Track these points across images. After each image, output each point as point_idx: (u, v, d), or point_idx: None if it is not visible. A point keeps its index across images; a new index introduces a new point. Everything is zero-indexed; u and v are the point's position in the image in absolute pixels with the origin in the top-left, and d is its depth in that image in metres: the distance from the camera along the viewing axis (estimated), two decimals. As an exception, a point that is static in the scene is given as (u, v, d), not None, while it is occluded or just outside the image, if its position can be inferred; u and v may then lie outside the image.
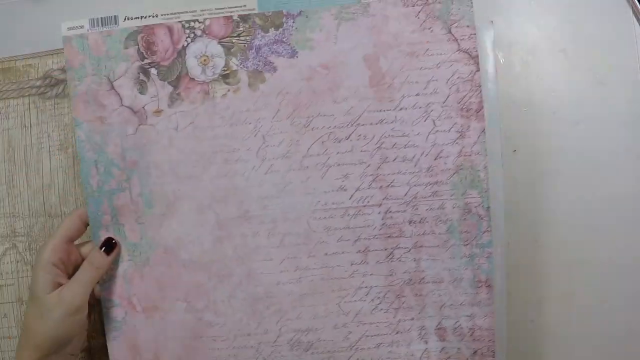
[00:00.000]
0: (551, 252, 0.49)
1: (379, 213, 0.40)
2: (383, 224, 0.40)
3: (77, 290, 0.40)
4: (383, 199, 0.40)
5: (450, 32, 0.40)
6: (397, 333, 0.41)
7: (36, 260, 0.41)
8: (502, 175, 0.49)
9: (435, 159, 0.40)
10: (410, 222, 0.40)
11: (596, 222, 0.49)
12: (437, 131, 0.40)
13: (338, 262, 0.41)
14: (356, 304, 0.41)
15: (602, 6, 0.53)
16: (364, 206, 0.40)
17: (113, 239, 0.42)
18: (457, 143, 0.40)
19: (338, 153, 0.40)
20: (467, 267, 0.41)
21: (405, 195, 0.40)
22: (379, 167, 0.40)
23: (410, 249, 0.41)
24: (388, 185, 0.40)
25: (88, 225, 0.43)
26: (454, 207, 0.41)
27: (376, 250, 0.41)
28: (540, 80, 0.52)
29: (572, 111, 0.51)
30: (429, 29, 0.40)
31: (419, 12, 0.40)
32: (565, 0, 0.53)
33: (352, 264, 0.41)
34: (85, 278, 0.40)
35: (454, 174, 0.40)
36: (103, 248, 0.42)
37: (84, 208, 0.43)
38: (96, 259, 0.41)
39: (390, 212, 0.40)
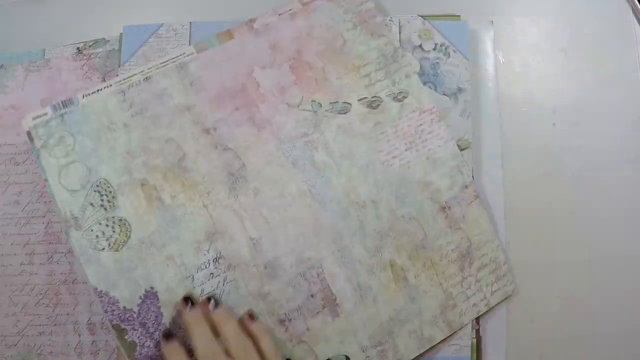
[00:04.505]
0: (551, 252, 0.49)
1: (42, 223, 0.49)
2: (45, 232, 0.49)
3: None
4: (46, 212, 0.49)
5: (104, 79, 0.51)
6: (55, 325, 0.48)
7: None
8: (502, 175, 0.49)
9: None
10: None
11: (596, 222, 0.49)
12: None
13: (10, 261, 0.49)
14: (23, 297, 0.48)
15: (602, 6, 0.53)
16: (32, 217, 0.49)
17: None
18: None
19: (16, 174, 0.50)
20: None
21: None
22: (45, 185, 0.48)
23: (65, 254, 0.48)
24: (50, 201, 0.48)
25: None
26: None
27: (40, 253, 0.49)
28: (540, 80, 0.52)
29: (572, 111, 0.51)
30: (89, 78, 0.51)
31: (83, 65, 0.51)
32: (565, 0, 0.53)
33: (21, 264, 0.49)
34: None
35: None
36: None
37: None
38: None
39: (51, 222, 0.49)
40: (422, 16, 0.50)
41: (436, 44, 0.50)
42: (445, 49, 0.50)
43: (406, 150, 0.47)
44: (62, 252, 0.49)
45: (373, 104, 0.47)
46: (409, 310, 0.45)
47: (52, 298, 0.48)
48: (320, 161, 0.46)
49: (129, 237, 0.42)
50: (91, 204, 0.42)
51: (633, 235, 0.49)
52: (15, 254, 0.49)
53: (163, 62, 0.46)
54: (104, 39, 0.52)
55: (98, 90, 0.44)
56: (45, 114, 0.43)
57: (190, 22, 0.51)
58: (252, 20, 0.48)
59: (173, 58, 0.46)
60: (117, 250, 0.42)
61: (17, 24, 0.54)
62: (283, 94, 0.47)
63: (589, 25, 0.53)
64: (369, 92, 0.47)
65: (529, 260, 0.49)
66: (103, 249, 0.42)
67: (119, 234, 0.42)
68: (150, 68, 0.45)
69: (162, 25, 0.51)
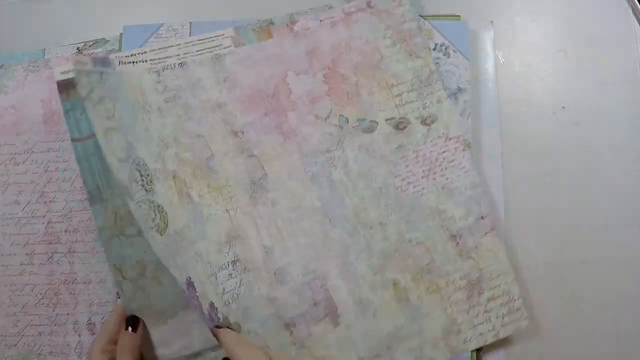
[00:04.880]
0: (551, 252, 0.49)
1: (42, 223, 0.49)
2: (45, 232, 0.49)
3: None
4: (46, 212, 0.49)
5: None
6: (55, 325, 0.48)
7: None
8: (502, 175, 0.49)
9: None
10: (65, 231, 0.49)
11: (596, 222, 0.49)
12: None
13: (10, 261, 0.49)
14: (23, 297, 0.48)
15: (602, 6, 0.53)
16: (32, 217, 0.49)
17: (135, 316, 0.41)
18: None
19: (16, 174, 0.50)
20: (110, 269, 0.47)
21: (63, 209, 0.49)
22: (45, 185, 0.49)
23: (65, 254, 0.48)
24: (51, 201, 0.49)
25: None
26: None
27: (40, 253, 0.49)
28: (540, 80, 0.52)
29: (572, 111, 0.51)
30: None
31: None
32: (565, 0, 0.53)
33: (21, 264, 0.49)
34: None
35: None
36: (129, 328, 0.41)
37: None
38: (127, 342, 0.40)
39: (51, 222, 0.49)
40: (422, 16, 0.50)
41: (436, 44, 0.50)
42: (445, 49, 0.50)
43: (422, 177, 0.47)
44: (62, 252, 0.49)
45: (400, 125, 0.47)
46: (409, 329, 0.45)
47: (52, 298, 0.48)
48: (337, 180, 0.46)
49: (167, 224, 0.43)
50: (135, 181, 0.42)
51: (633, 235, 0.49)
52: (15, 254, 0.49)
53: (199, 50, 0.46)
54: (104, 39, 0.52)
55: (134, 63, 0.44)
56: (86, 63, 0.41)
57: (190, 22, 0.51)
58: (292, 22, 0.48)
59: (209, 48, 0.46)
60: (161, 234, 0.42)
61: (17, 24, 0.54)
62: (313, 104, 0.47)
63: (589, 25, 0.53)
64: (399, 112, 0.47)
65: (529, 260, 0.49)
66: (151, 228, 0.41)
67: (160, 219, 0.42)
68: (187, 54, 0.46)
69: (162, 25, 0.51)
